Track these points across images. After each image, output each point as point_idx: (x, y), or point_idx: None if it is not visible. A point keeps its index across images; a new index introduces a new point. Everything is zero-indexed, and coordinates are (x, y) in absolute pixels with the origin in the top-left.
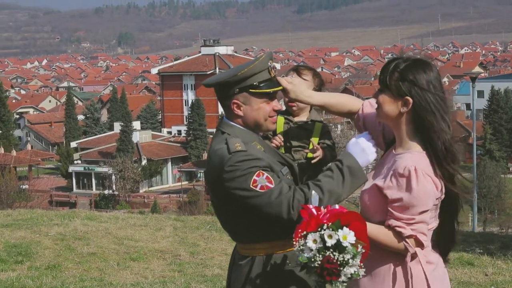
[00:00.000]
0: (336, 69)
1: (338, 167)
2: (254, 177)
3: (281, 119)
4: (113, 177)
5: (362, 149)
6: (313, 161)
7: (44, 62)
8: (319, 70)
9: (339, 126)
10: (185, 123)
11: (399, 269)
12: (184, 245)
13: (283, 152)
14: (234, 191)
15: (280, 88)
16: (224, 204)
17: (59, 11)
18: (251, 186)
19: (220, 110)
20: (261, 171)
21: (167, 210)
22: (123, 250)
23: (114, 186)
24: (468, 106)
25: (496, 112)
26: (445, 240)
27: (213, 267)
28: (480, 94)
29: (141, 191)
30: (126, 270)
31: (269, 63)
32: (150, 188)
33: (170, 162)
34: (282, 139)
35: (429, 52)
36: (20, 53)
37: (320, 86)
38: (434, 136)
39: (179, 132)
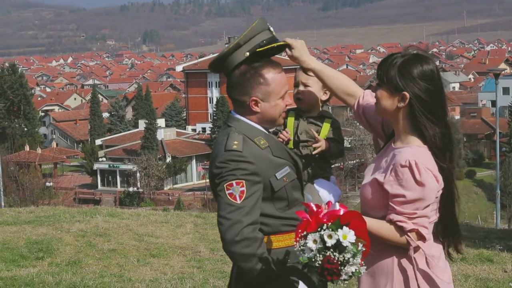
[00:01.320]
0: (361, 66)
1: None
2: (233, 181)
3: (291, 115)
4: (138, 174)
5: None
6: (314, 152)
7: (70, 60)
8: (343, 67)
9: None
10: (209, 120)
11: (402, 262)
12: (205, 241)
13: (292, 147)
14: (215, 185)
15: (285, 43)
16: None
17: (85, 9)
18: (224, 186)
19: None
20: (243, 181)
21: (192, 207)
22: (143, 247)
23: (138, 184)
24: (493, 103)
25: None
26: (448, 233)
27: None
28: (506, 91)
29: (165, 188)
30: (145, 266)
31: (267, 24)
32: (175, 186)
33: (194, 160)
34: (289, 134)
35: (455, 48)
36: (46, 51)
37: None
38: (429, 131)
39: (204, 129)
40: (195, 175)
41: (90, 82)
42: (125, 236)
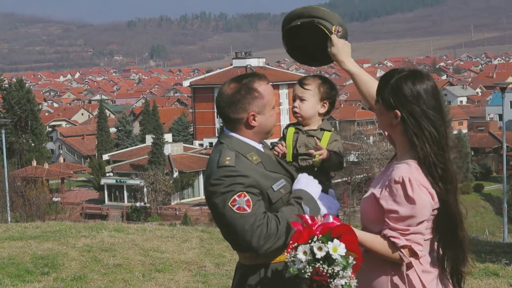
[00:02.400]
0: None
1: (297, 202)
2: (235, 196)
3: (291, 129)
4: (145, 189)
5: (307, 183)
6: (315, 159)
7: (77, 75)
8: (350, 82)
9: (371, 137)
10: (216, 135)
11: (395, 278)
12: (210, 256)
13: (290, 160)
14: (215, 204)
15: (328, 33)
16: (212, 213)
17: (92, 24)
18: (229, 205)
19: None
20: (244, 192)
21: (198, 222)
22: (149, 262)
23: (145, 199)
24: (501, 116)
25: None
26: (453, 253)
27: None
28: None
29: (172, 203)
30: (151, 281)
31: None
32: (182, 200)
33: (201, 174)
34: (284, 147)
35: (462, 62)
36: (53, 66)
37: (328, 95)
38: (418, 150)
39: (211, 144)
40: (202, 190)
41: (98, 97)
42: (131, 251)
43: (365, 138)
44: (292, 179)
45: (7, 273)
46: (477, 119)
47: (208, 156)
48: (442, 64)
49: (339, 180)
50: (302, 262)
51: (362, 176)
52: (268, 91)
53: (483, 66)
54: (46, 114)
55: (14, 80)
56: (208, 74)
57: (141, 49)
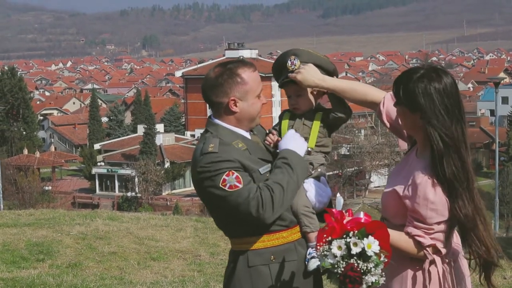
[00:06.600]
0: (360, 74)
1: (284, 163)
2: (224, 176)
3: (287, 115)
4: (136, 179)
5: (294, 141)
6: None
7: (69, 64)
8: (343, 74)
9: (362, 130)
10: None
11: (417, 274)
12: (205, 245)
13: None
14: (206, 191)
15: (288, 79)
16: (205, 202)
17: (84, 13)
18: (220, 185)
19: None
20: (231, 170)
21: (190, 213)
22: (143, 250)
23: (137, 189)
24: (492, 112)
25: None
26: (475, 250)
27: None
28: (505, 100)
29: (164, 193)
30: (146, 269)
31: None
32: (173, 191)
33: None
34: (275, 135)
35: (454, 57)
36: (45, 55)
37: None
38: (434, 150)
39: None
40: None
41: (89, 86)
42: (125, 239)
43: (357, 131)
44: None
45: (2, 259)
46: (469, 114)
47: None
48: (434, 58)
49: (330, 173)
50: (336, 257)
51: (353, 169)
52: (253, 78)
53: (475, 61)
54: (38, 102)
55: (6, 68)
56: (201, 64)
57: (133, 39)
